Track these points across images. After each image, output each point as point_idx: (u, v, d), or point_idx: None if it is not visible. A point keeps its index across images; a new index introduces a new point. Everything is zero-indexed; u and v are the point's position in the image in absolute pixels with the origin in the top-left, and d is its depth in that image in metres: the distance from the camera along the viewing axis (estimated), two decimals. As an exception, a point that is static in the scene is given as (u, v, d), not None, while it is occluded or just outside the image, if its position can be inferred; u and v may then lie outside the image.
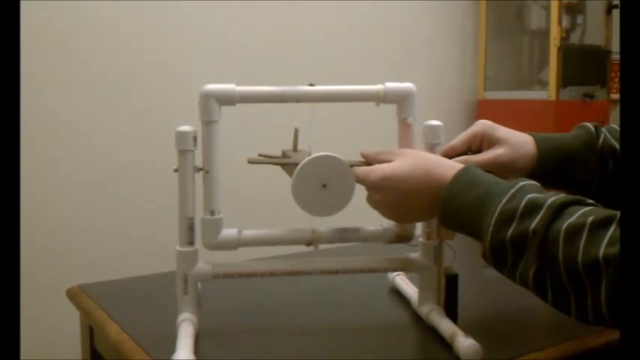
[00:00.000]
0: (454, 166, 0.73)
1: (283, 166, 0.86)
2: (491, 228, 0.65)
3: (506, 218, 0.64)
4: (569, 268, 0.59)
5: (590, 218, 0.59)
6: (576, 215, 0.60)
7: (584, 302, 0.59)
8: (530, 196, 0.64)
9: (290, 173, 0.82)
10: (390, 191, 0.75)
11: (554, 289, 0.61)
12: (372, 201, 0.77)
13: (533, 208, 0.63)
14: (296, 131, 0.87)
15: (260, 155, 0.86)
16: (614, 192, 0.88)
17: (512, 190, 0.66)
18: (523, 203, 0.64)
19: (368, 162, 0.80)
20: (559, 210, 0.61)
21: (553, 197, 0.63)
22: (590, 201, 0.64)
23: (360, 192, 0.79)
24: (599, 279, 0.57)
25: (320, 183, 0.78)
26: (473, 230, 0.69)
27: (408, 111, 0.82)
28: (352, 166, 0.79)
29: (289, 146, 0.89)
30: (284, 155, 0.88)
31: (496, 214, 0.65)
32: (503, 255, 0.65)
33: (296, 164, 0.78)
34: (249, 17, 2.30)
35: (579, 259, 0.58)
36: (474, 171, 0.72)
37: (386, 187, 0.75)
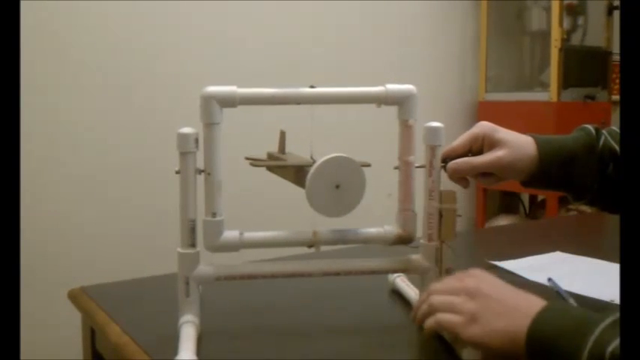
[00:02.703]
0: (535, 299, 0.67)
1: (274, 169, 0.86)
2: None
3: None
4: None
5: None
6: None
7: None
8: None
9: (285, 176, 0.81)
10: (486, 281, 0.72)
11: None
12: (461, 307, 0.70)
13: None
14: (282, 133, 0.86)
15: (247, 159, 0.86)
16: (614, 195, 0.88)
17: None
18: None
19: None
20: None
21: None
22: None
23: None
24: None
25: (334, 184, 0.78)
26: None
27: (409, 112, 0.82)
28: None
29: (291, 147, 0.89)
30: (270, 157, 0.88)
31: None
32: None
33: (297, 167, 0.78)
34: (250, 18, 2.30)
35: None
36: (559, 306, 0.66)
37: (482, 278, 0.72)
